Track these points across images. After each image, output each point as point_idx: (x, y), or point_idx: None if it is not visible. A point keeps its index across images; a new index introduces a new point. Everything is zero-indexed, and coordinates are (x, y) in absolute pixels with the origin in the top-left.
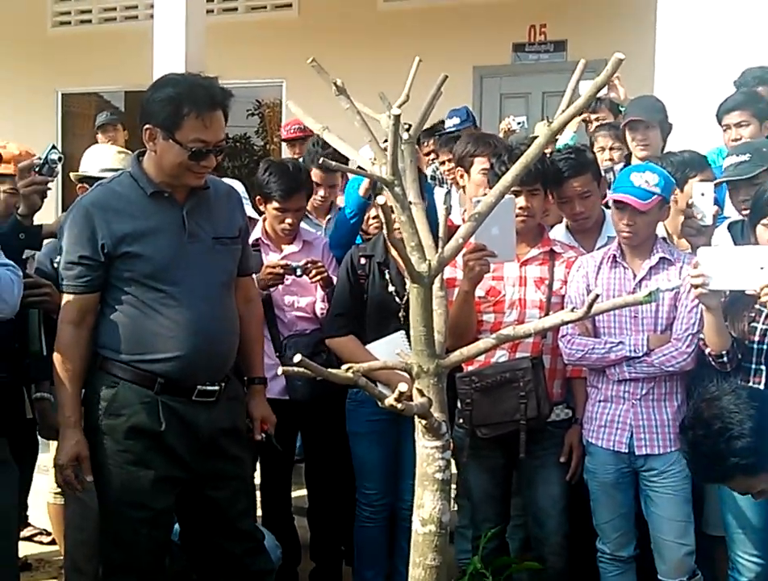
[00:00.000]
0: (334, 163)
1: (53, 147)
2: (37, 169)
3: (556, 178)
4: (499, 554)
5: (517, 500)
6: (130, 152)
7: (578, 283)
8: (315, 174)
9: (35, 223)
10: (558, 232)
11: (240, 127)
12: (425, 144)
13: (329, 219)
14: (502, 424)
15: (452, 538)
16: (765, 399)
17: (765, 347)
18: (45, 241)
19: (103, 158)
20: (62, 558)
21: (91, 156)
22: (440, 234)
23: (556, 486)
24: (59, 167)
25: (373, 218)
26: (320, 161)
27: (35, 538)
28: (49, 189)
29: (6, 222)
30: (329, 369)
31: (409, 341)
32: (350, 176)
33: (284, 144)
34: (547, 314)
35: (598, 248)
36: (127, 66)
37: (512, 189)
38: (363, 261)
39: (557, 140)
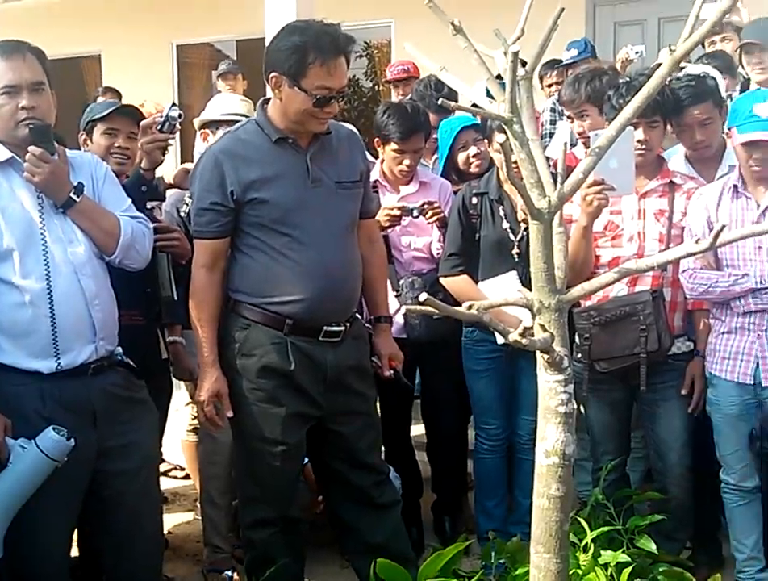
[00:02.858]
0: (453, 103)
1: (174, 104)
2: (159, 127)
3: (675, 106)
4: (620, 486)
5: (637, 433)
6: (250, 100)
7: (699, 215)
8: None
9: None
10: (677, 163)
11: (349, 69)
12: (547, 75)
13: (435, 159)
14: (621, 357)
15: (572, 471)
16: None
17: None
18: (168, 192)
19: (226, 104)
20: (196, 491)
21: (215, 102)
22: (559, 169)
23: (678, 418)
24: (178, 124)
25: (474, 156)
26: (438, 102)
27: (170, 473)
28: (170, 145)
29: (129, 176)
30: (454, 307)
31: (521, 280)
32: None
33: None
34: (667, 247)
35: (719, 178)
36: (239, 16)
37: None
38: (475, 200)
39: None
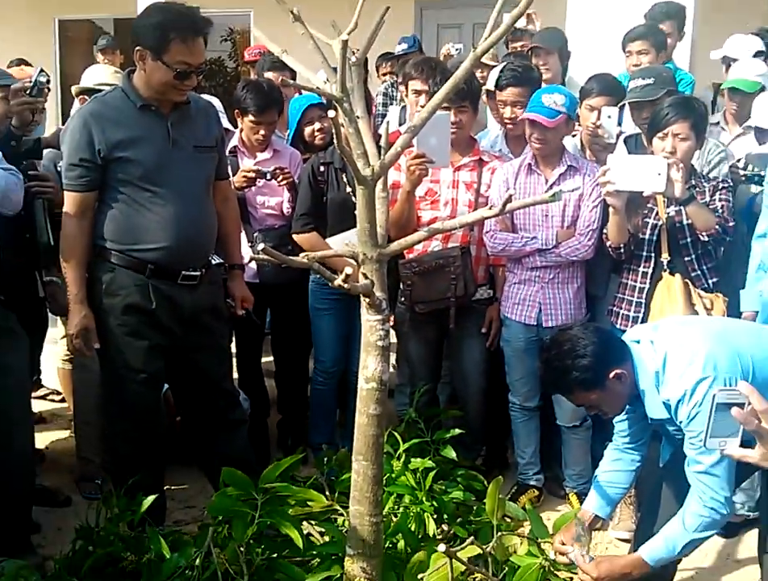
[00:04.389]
0: (292, 81)
1: (41, 70)
2: (28, 91)
3: (498, 84)
4: (430, 406)
5: (445, 363)
6: (121, 71)
7: (500, 186)
8: (267, 75)
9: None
10: (497, 140)
11: (214, 51)
12: (383, 65)
13: (290, 130)
14: (435, 301)
15: (392, 394)
16: (606, 334)
17: (654, 238)
18: (46, 150)
19: (100, 74)
20: (71, 412)
21: (90, 72)
22: (383, 143)
23: (478, 352)
24: (47, 88)
25: (318, 131)
26: (280, 80)
27: (48, 397)
28: (38, 106)
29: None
30: (288, 257)
31: None
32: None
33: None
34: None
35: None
36: None
37: (445, 105)
38: (322, 168)
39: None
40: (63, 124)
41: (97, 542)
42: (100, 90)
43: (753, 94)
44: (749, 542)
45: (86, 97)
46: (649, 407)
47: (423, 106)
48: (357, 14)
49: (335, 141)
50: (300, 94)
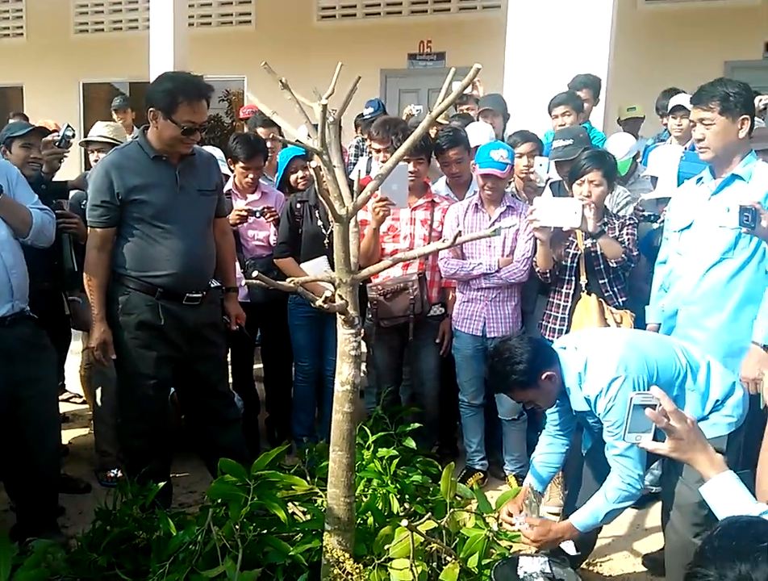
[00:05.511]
0: (281, 137)
1: (68, 126)
2: (56, 143)
3: (438, 148)
4: (394, 404)
5: (406, 369)
6: (113, 124)
7: (451, 223)
8: (259, 131)
9: (62, 180)
10: (441, 186)
11: (213, 109)
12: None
13: (277, 176)
14: (397, 317)
15: (362, 395)
16: (538, 343)
17: (574, 265)
18: (72, 191)
19: (96, 129)
20: (91, 413)
21: (93, 128)
22: (355, 188)
23: (433, 358)
24: (72, 140)
25: (301, 178)
26: (271, 136)
27: (71, 400)
28: (66, 155)
29: (33, 177)
30: (278, 281)
31: (330, 264)
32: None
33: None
34: (428, 244)
35: (467, 197)
36: (131, 63)
37: (405, 157)
38: (299, 205)
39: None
40: (85, 171)
41: (113, 523)
42: (97, 141)
43: (629, 171)
44: (654, 514)
45: (93, 149)
46: (574, 401)
47: (382, 160)
48: (334, 83)
49: (315, 185)
50: (286, 147)
